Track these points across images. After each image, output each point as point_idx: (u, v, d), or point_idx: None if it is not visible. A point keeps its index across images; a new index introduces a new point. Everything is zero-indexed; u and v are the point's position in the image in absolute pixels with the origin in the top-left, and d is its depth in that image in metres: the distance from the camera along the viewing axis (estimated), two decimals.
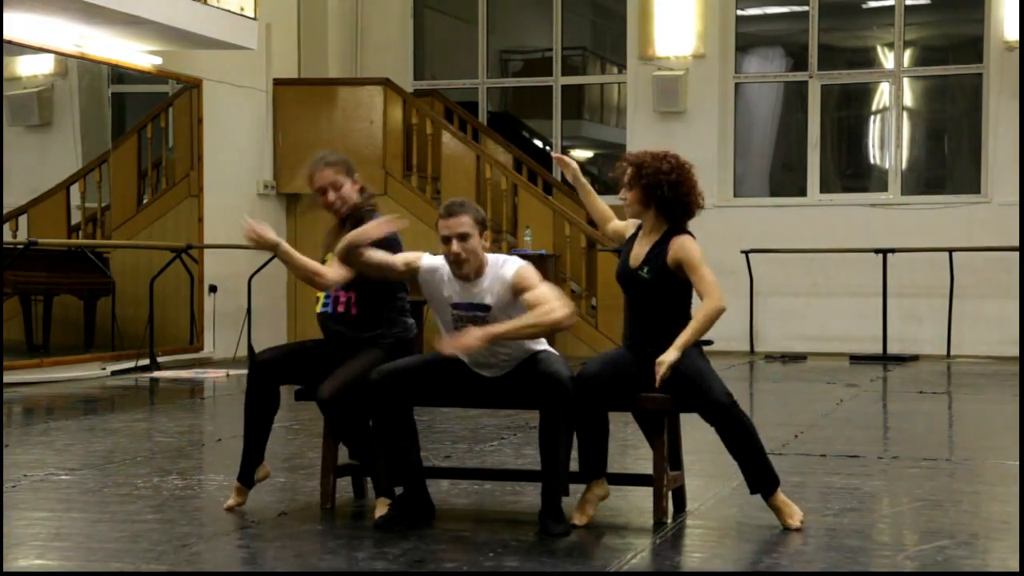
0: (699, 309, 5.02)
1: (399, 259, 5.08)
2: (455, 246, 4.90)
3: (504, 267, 4.96)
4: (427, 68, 16.07)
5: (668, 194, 5.05)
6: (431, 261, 5.07)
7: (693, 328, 4.97)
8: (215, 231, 13.15)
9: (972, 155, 14.45)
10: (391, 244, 5.20)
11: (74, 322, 12.46)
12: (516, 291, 4.89)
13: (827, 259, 14.22)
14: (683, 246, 5.02)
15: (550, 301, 4.82)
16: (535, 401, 4.89)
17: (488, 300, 4.93)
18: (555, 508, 4.84)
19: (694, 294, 5.09)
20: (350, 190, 5.31)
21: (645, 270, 5.05)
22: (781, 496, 4.96)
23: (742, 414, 4.92)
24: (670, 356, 4.90)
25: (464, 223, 4.90)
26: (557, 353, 5.07)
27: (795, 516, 4.91)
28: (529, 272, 4.93)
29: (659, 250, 5.05)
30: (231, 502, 5.24)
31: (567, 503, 4.97)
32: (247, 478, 5.23)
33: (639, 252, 5.12)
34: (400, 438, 4.93)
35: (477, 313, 4.94)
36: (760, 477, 4.95)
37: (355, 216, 5.30)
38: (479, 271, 4.95)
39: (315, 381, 5.21)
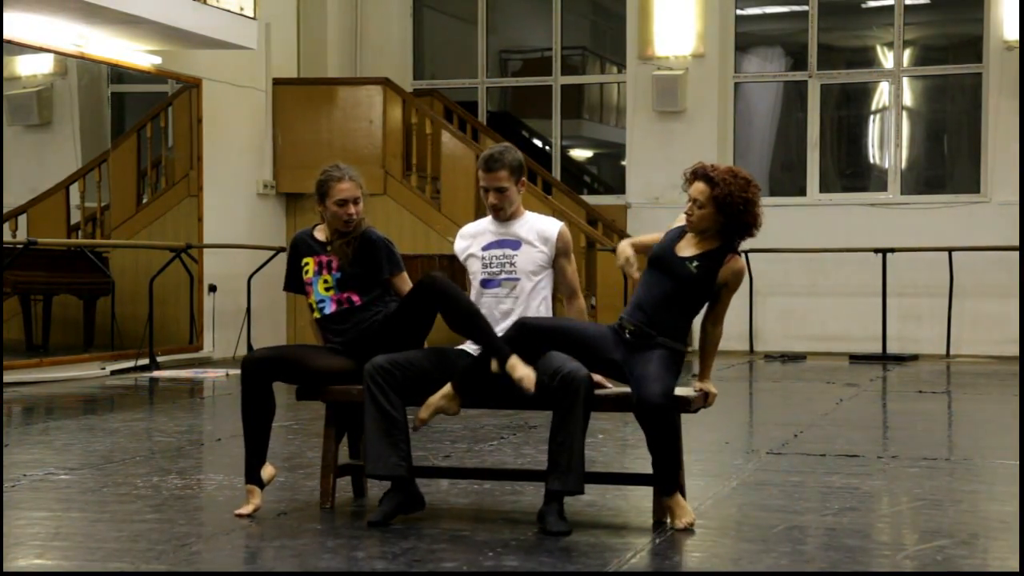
0: (713, 336, 5.12)
1: (469, 280, 5.43)
2: (493, 198, 5.26)
3: (544, 222, 5.34)
4: (427, 68, 16.07)
5: (740, 212, 5.05)
6: (462, 245, 5.42)
7: (713, 357, 5.17)
8: (215, 231, 13.16)
9: (972, 155, 14.45)
10: (392, 254, 5.42)
11: (74, 322, 12.46)
12: (558, 250, 5.29)
13: (827, 259, 14.23)
14: (742, 272, 5.17)
15: (579, 294, 5.39)
16: (544, 401, 4.91)
17: (520, 240, 5.27)
18: (561, 507, 4.85)
19: None
20: (362, 208, 5.39)
21: (694, 264, 5.04)
22: (678, 497, 4.93)
23: (674, 420, 4.89)
24: (713, 388, 5.10)
25: (502, 177, 5.23)
26: None
27: (684, 517, 4.88)
28: (570, 239, 5.36)
29: (716, 256, 5.07)
30: (248, 508, 5.11)
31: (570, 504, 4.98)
32: (254, 478, 5.20)
33: (689, 247, 5.10)
34: (389, 429, 4.94)
35: (507, 250, 5.26)
36: (668, 477, 4.91)
37: (358, 234, 5.37)
38: (515, 214, 5.31)
39: (309, 379, 5.27)
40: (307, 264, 5.44)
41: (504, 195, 5.23)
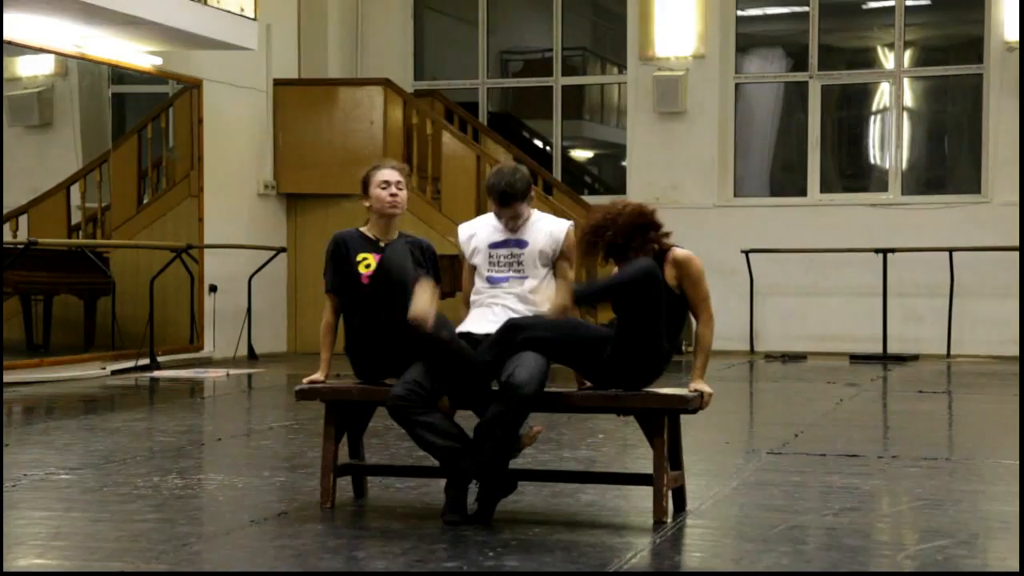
0: (699, 334, 5.06)
1: (467, 271, 5.43)
2: (508, 223, 5.31)
3: (553, 221, 5.38)
4: (427, 68, 16.07)
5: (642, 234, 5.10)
6: (466, 234, 5.43)
7: (703, 358, 5.08)
8: (215, 231, 13.16)
9: (972, 155, 14.45)
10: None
11: (74, 322, 12.46)
12: (562, 250, 5.30)
13: (827, 259, 14.22)
14: (684, 261, 5.05)
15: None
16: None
17: (528, 238, 5.30)
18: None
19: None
20: (406, 197, 5.48)
21: None
22: None
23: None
24: (706, 387, 5.03)
25: (515, 206, 5.27)
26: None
27: None
28: (575, 242, 5.33)
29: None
30: None
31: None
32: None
33: None
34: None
35: (513, 249, 5.30)
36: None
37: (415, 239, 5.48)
38: (525, 222, 5.35)
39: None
40: (365, 259, 5.34)
41: (518, 219, 5.30)
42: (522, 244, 5.28)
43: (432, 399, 4.98)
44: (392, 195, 5.38)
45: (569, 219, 5.58)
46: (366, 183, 5.43)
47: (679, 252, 5.09)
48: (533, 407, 4.92)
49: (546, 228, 5.32)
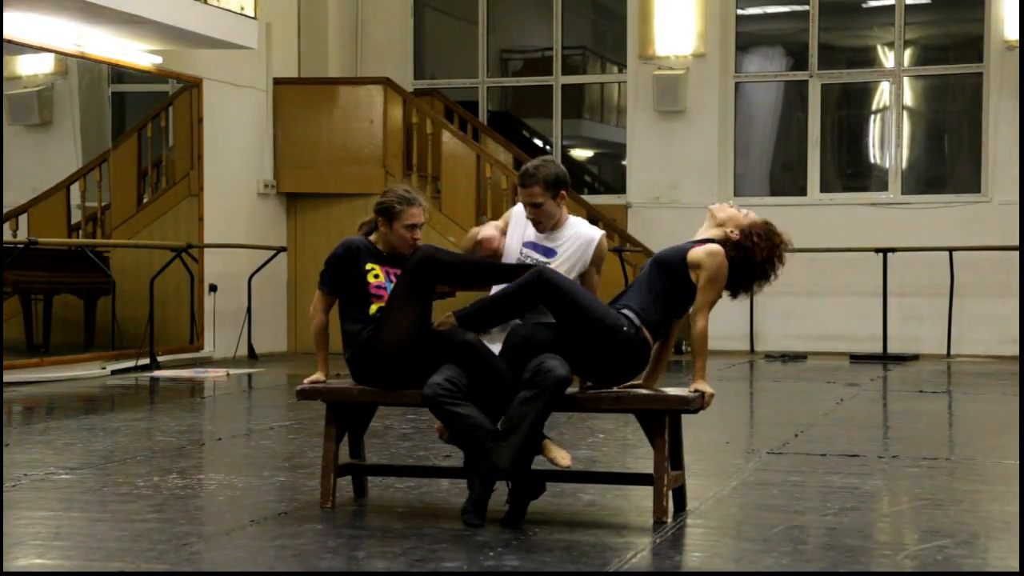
0: (697, 336, 5.13)
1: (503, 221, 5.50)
2: (529, 212, 5.29)
3: (586, 228, 5.36)
4: (427, 68, 16.07)
5: None
6: (516, 215, 5.43)
7: (700, 357, 5.12)
8: (215, 230, 13.16)
9: (972, 155, 14.45)
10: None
11: (74, 321, 12.46)
12: (592, 258, 5.30)
13: (827, 259, 14.22)
14: (710, 253, 5.25)
15: None
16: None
17: (558, 249, 5.29)
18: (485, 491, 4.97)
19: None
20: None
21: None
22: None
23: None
24: (708, 388, 5.07)
25: (535, 193, 5.23)
26: None
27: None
28: (606, 250, 5.39)
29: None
30: None
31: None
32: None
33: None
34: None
35: (541, 256, 5.30)
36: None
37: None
38: (556, 226, 5.31)
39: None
40: (374, 269, 5.34)
41: (540, 210, 5.24)
42: (551, 253, 5.28)
43: (467, 396, 4.98)
44: (415, 238, 5.35)
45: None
46: (391, 214, 5.32)
47: (711, 245, 5.22)
48: (564, 391, 4.92)
49: (578, 234, 5.31)
